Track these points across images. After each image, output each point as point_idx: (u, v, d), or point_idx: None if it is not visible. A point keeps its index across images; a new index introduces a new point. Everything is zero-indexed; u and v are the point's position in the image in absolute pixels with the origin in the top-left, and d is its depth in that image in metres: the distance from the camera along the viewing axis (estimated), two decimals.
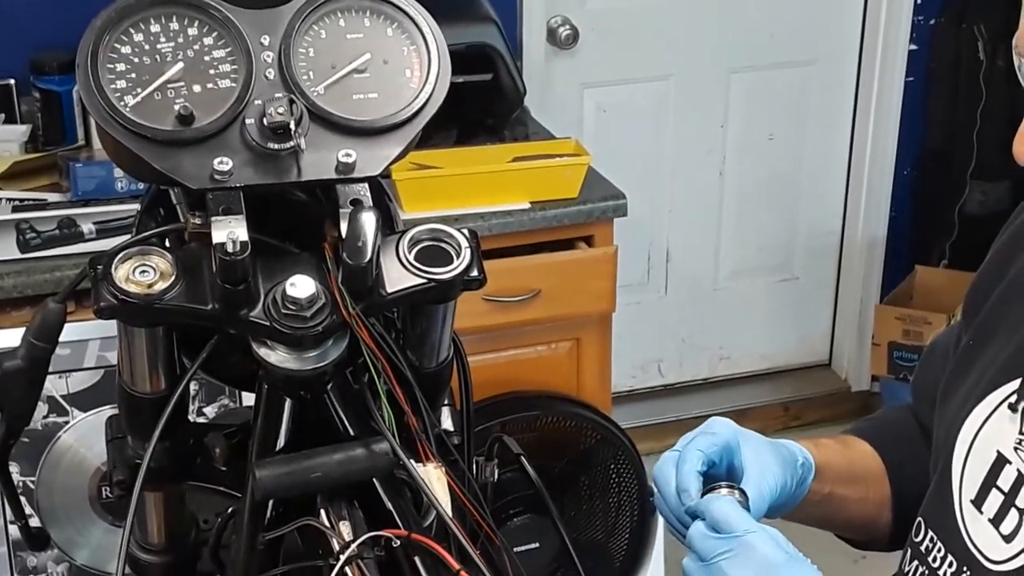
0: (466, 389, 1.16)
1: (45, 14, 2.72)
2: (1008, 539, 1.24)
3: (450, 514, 1.03)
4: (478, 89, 2.71)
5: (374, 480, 1.06)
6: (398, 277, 1.03)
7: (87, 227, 2.29)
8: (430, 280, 1.04)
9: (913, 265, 3.86)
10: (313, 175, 1.02)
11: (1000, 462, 1.27)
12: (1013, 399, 1.27)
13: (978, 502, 1.28)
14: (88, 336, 2.01)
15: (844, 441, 1.49)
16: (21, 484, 1.95)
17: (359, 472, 1.03)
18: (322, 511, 1.04)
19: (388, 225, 1.08)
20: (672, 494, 1.23)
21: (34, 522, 1.69)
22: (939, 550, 1.30)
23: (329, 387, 1.06)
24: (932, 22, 3.65)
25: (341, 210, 1.02)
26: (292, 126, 1.00)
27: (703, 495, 1.21)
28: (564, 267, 2.72)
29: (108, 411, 2.01)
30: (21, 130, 2.66)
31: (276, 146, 1.01)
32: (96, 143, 2.64)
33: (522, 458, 1.20)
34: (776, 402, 3.92)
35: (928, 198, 3.85)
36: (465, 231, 1.07)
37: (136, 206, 2.28)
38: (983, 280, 1.42)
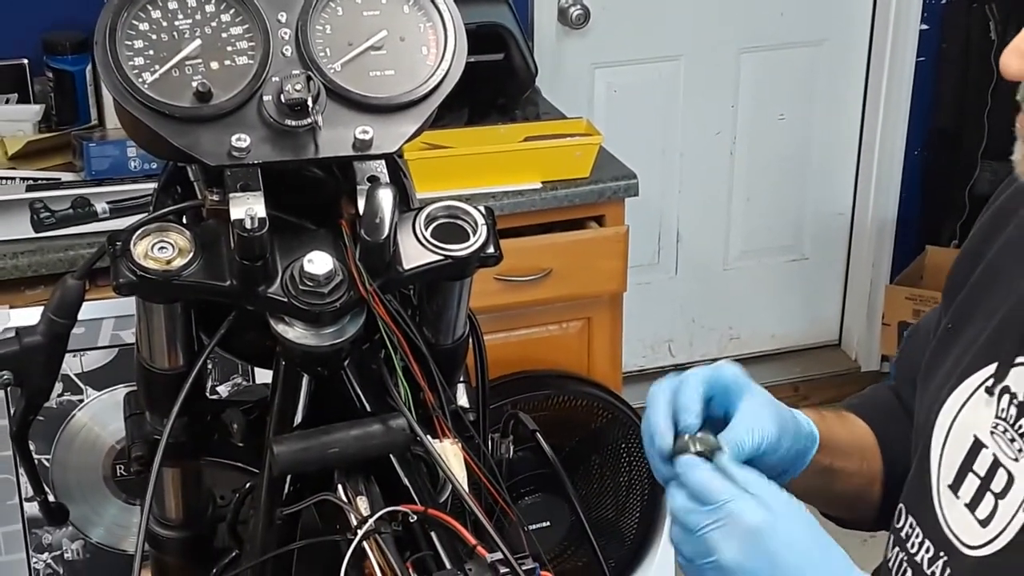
0: (481, 366, 1.16)
1: None
2: (984, 523, 1.23)
3: (466, 490, 1.03)
4: (490, 69, 2.71)
5: (390, 456, 1.07)
6: (415, 254, 1.04)
7: (101, 206, 2.30)
8: (447, 257, 1.04)
9: (924, 245, 3.85)
10: (330, 152, 1.03)
11: (976, 446, 1.26)
12: (990, 383, 1.26)
13: (955, 487, 1.28)
14: (103, 315, 2.02)
15: (842, 415, 1.49)
16: (36, 462, 1.96)
17: (376, 448, 1.04)
18: (339, 486, 1.04)
19: (404, 202, 1.08)
20: (660, 416, 1.19)
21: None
22: (917, 536, 1.30)
23: (346, 363, 1.07)
24: (943, 1, 3.64)
25: (358, 187, 1.03)
26: (309, 103, 1.01)
27: (675, 442, 1.18)
28: (575, 247, 2.72)
29: (122, 389, 2.03)
30: (34, 110, 2.67)
31: (293, 123, 1.01)
32: (109, 122, 2.65)
33: (537, 435, 1.20)
34: (786, 382, 3.92)
35: (938, 178, 3.85)
36: (481, 208, 1.08)
37: (150, 185, 2.28)
38: (962, 262, 1.41)
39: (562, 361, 2.80)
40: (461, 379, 1.20)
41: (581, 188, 2.68)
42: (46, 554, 2.07)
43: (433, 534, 1.03)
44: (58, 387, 2.02)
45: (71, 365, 2.06)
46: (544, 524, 2.61)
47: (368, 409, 1.07)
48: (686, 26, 3.51)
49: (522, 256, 2.63)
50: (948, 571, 1.25)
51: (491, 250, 1.06)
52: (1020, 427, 1.23)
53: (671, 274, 3.81)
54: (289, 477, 1.08)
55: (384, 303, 1.01)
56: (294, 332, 1.01)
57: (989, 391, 1.26)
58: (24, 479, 2.03)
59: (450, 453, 1.05)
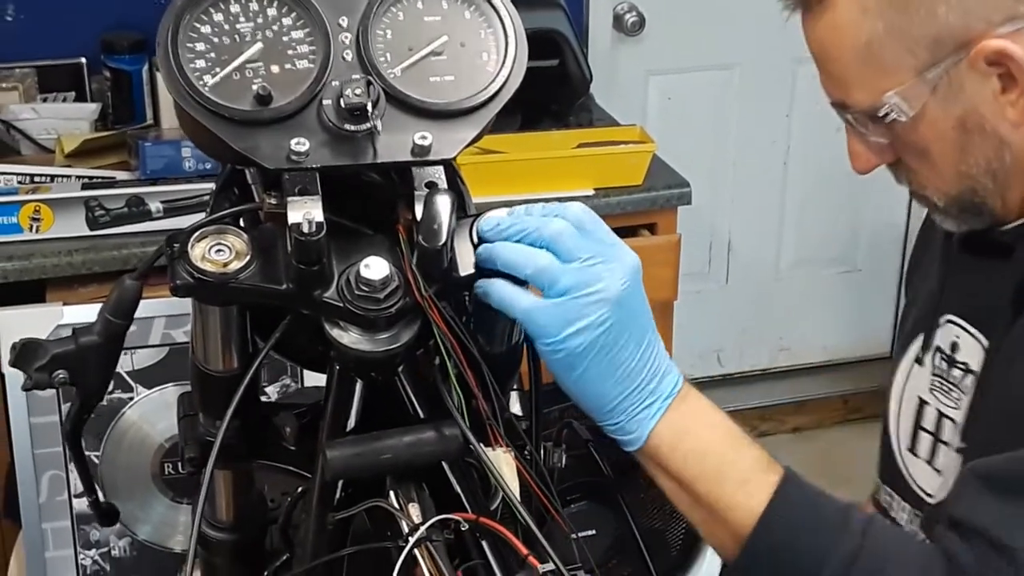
0: (535, 374, 1.16)
1: None
2: (942, 470, 1.32)
3: (519, 499, 1.03)
4: (544, 75, 2.70)
5: (443, 463, 1.07)
6: (471, 261, 1.04)
7: (155, 205, 2.30)
8: None
9: None
10: (389, 157, 1.03)
11: (922, 406, 1.36)
12: (921, 349, 1.36)
13: (913, 448, 1.37)
14: (154, 313, 2.03)
15: None
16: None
17: (429, 455, 1.03)
18: (391, 493, 1.04)
19: (461, 208, 1.08)
20: None
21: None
22: (896, 501, 1.39)
23: (400, 369, 1.06)
24: None
25: (416, 193, 1.03)
26: (369, 108, 1.00)
27: None
28: None
29: (172, 388, 2.04)
30: (91, 108, 2.68)
31: (352, 127, 1.01)
32: (164, 122, 2.67)
33: (591, 444, 1.20)
34: (835, 394, 3.89)
35: None
36: None
37: (203, 185, 2.30)
38: (916, 246, 1.55)
39: None
40: (514, 387, 1.20)
41: (633, 196, 2.67)
42: (94, 551, 2.08)
43: (484, 543, 1.03)
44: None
45: (122, 363, 2.06)
46: (590, 532, 2.59)
47: (421, 416, 1.07)
48: (742, 35, 3.49)
49: None
50: (916, 524, 1.36)
51: None
52: (952, 375, 1.31)
53: (722, 283, 3.78)
54: (341, 482, 1.08)
55: (439, 309, 1.01)
56: (349, 337, 1.01)
57: (920, 360, 1.36)
58: (74, 476, 2.04)
59: (503, 461, 1.04)
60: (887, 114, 1.19)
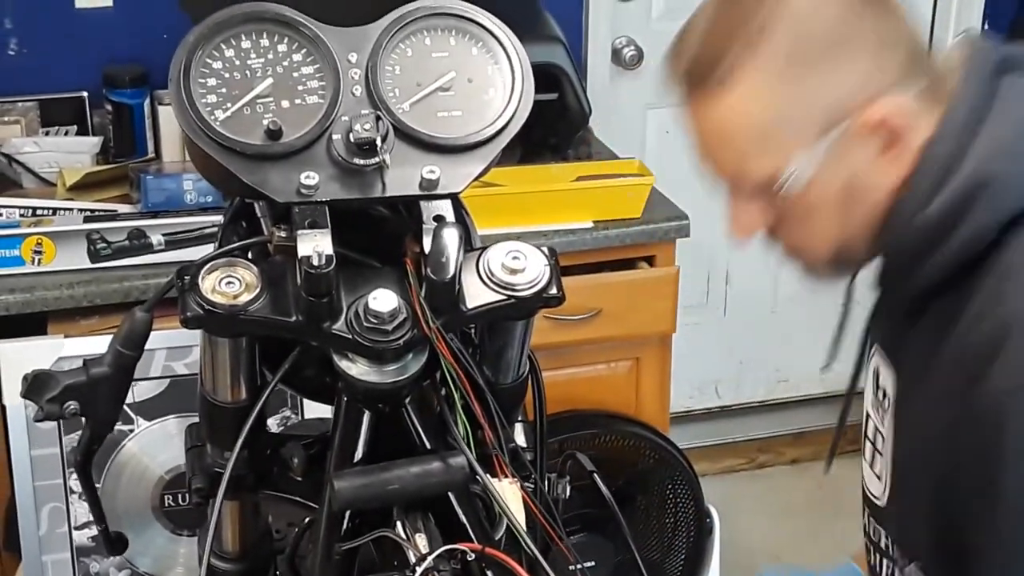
0: (541, 406, 1.17)
1: (119, 28, 2.76)
2: (879, 477, 1.39)
3: (525, 530, 1.03)
4: (543, 108, 2.71)
5: (449, 493, 1.07)
6: (478, 293, 1.05)
7: (156, 238, 2.31)
8: (510, 297, 1.05)
9: None
10: (397, 191, 1.04)
11: (868, 419, 1.48)
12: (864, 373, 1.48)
13: (866, 457, 1.46)
14: (155, 346, 2.04)
15: None
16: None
17: (436, 485, 1.04)
18: (398, 523, 1.05)
19: (467, 242, 1.09)
20: None
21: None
22: (868, 519, 1.47)
23: (407, 400, 1.07)
24: (1001, 37, 3.63)
25: (424, 226, 1.04)
26: (378, 142, 1.02)
27: None
28: (625, 287, 2.72)
29: (173, 420, 2.05)
30: (93, 142, 2.69)
31: (361, 162, 1.03)
32: (166, 155, 2.68)
33: (595, 475, 1.21)
34: (833, 426, 3.88)
35: None
36: (544, 249, 1.08)
37: (205, 218, 2.31)
38: None
39: (610, 401, 2.79)
40: (519, 418, 1.20)
41: (632, 228, 2.68)
42: None
43: (490, 572, 1.03)
44: None
45: None
46: (589, 564, 2.60)
47: (428, 446, 1.08)
48: None
49: (572, 295, 2.58)
50: (873, 524, 1.44)
51: (554, 291, 1.07)
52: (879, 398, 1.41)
53: (720, 315, 3.79)
54: (348, 512, 1.08)
55: (447, 341, 1.02)
56: (357, 368, 1.02)
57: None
58: (74, 508, 2.05)
59: (509, 492, 1.05)
60: (783, 184, 1.23)
